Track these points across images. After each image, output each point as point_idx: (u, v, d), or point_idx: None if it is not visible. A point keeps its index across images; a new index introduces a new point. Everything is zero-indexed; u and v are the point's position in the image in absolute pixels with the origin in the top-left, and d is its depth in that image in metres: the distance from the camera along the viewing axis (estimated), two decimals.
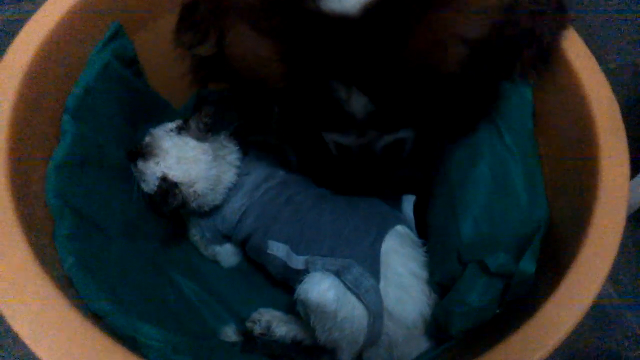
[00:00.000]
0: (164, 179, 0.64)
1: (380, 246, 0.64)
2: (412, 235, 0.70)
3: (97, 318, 0.48)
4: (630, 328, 0.88)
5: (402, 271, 0.64)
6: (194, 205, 0.67)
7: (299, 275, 0.65)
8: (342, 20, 0.44)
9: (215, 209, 0.71)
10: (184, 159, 0.65)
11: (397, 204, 0.74)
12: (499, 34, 0.47)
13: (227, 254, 0.77)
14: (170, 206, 0.64)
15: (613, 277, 0.92)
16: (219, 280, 0.77)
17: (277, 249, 0.67)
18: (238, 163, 0.71)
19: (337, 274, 0.62)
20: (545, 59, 0.56)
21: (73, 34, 0.61)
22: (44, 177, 0.56)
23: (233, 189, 0.70)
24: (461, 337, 0.57)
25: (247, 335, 0.71)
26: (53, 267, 0.49)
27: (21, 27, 0.58)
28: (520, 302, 0.53)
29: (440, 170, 0.69)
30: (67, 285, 0.50)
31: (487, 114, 0.63)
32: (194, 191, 0.66)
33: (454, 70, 0.47)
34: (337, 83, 0.50)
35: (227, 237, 0.73)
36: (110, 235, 0.63)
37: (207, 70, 0.59)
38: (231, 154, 0.71)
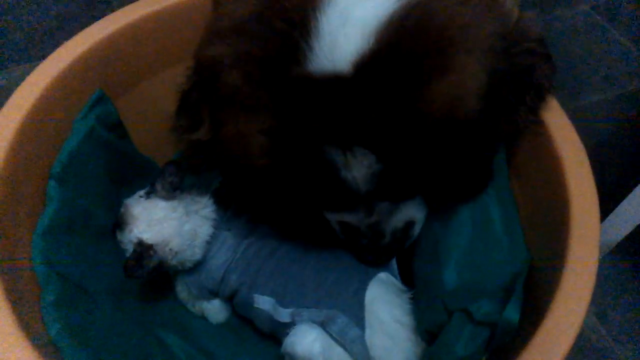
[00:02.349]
0: (139, 243, 0.65)
1: (364, 294, 0.65)
2: (396, 282, 0.70)
3: None
4: None
5: (387, 319, 0.64)
6: (174, 262, 0.67)
7: (285, 328, 0.65)
8: (335, 80, 0.41)
9: (199, 264, 0.71)
10: (154, 221, 0.66)
11: None
12: (503, 76, 0.46)
13: (215, 310, 0.76)
14: (146, 268, 0.64)
15: (600, 314, 0.92)
16: (207, 337, 0.76)
17: (263, 303, 0.67)
18: (214, 216, 0.71)
19: (323, 325, 0.63)
20: (543, 103, 0.56)
21: (58, 103, 0.63)
22: (29, 244, 0.57)
23: (215, 244, 0.71)
24: None
25: None
26: (38, 334, 0.49)
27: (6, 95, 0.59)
28: (502, 346, 0.54)
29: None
30: (54, 353, 0.50)
31: (491, 174, 0.61)
32: (170, 249, 0.66)
33: (472, 117, 0.44)
34: (333, 148, 0.45)
35: (213, 293, 0.73)
36: (96, 298, 0.63)
37: (201, 157, 0.59)
38: (205, 207, 0.71)
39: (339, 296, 0.65)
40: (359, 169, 0.47)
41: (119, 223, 0.67)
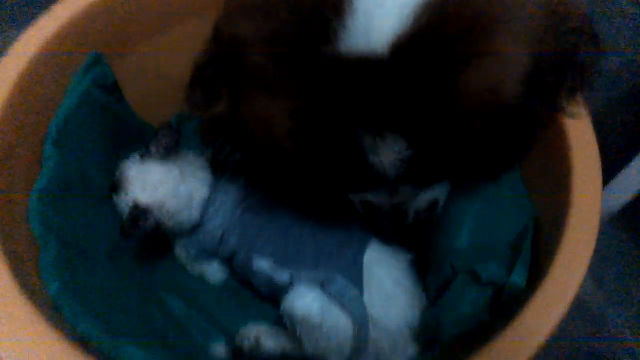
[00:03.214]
0: (135, 207, 0.66)
1: (362, 257, 0.66)
2: (394, 245, 0.70)
3: (84, 342, 0.49)
4: (617, 328, 0.89)
5: (386, 280, 0.65)
6: (171, 224, 0.68)
7: (284, 289, 0.66)
8: (369, 62, 0.39)
9: (197, 226, 0.72)
10: (149, 184, 0.67)
11: None
12: (546, 58, 0.44)
13: (214, 271, 0.77)
14: (142, 229, 0.65)
15: (598, 279, 0.93)
16: (207, 298, 0.77)
17: (262, 264, 0.68)
18: (210, 178, 0.72)
19: (322, 286, 0.64)
20: (589, 85, 0.52)
21: (52, 65, 0.62)
22: (26, 205, 0.57)
23: (212, 206, 0.71)
24: (450, 342, 0.57)
25: (236, 352, 0.71)
26: (37, 293, 0.49)
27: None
28: (504, 306, 0.54)
29: None
30: (52, 310, 0.50)
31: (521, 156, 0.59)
32: (166, 211, 0.67)
33: (511, 103, 0.42)
34: (363, 132, 0.43)
35: (212, 254, 0.74)
36: (95, 260, 0.64)
37: (217, 133, 0.57)
38: (200, 169, 0.71)
39: (338, 258, 0.66)
40: (388, 154, 0.45)
41: (115, 187, 0.68)
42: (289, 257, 0.67)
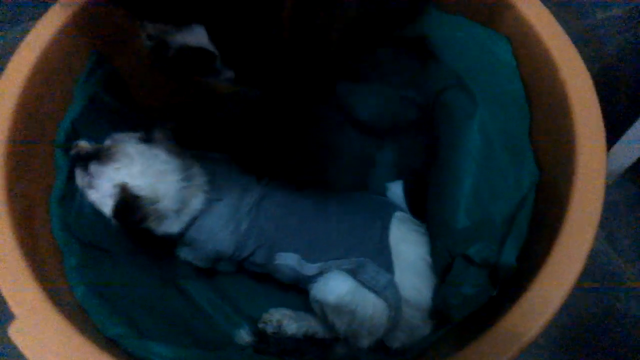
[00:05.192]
0: (123, 188, 0.58)
1: (388, 238, 0.66)
2: (412, 219, 0.72)
3: (113, 343, 0.50)
4: (631, 281, 0.90)
5: (414, 258, 0.66)
6: (152, 223, 0.61)
7: (311, 279, 0.67)
8: None
9: (193, 241, 0.67)
10: (151, 170, 0.60)
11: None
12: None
13: (224, 266, 0.76)
14: (131, 221, 0.58)
15: (609, 237, 0.93)
16: (228, 284, 0.79)
17: (287, 259, 0.67)
18: (207, 187, 0.66)
19: (353, 273, 0.64)
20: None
21: (57, 66, 0.62)
22: (45, 211, 0.58)
23: (209, 217, 0.66)
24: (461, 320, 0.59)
25: (260, 336, 0.73)
26: (63, 298, 0.51)
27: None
28: (516, 275, 0.55)
29: (433, 160, 0.70)
30: (80, 314, 0.52)
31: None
32: (156, 209, 0.60)
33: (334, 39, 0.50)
34: None
35: (219, 259, 0.72)
36: (116, 257, 0.65)
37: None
38: (200, 176, 0.65)
39: (365, 244, 0.66)
40: None
41: (99, 155, 0.59)
42: (316, 251, 0.66)
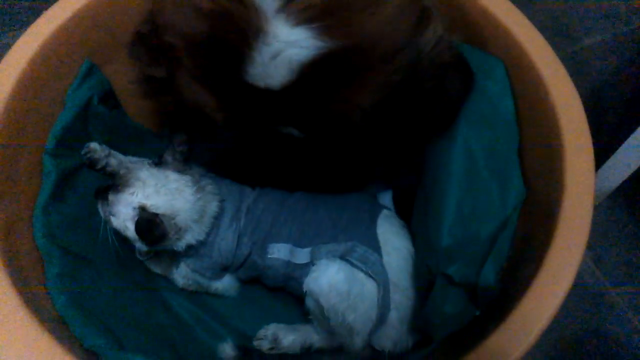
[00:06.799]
0: (141, 209, 0.63)
1: (375, 229, 0.69)
2: (398, 218, 0.74)
3: (92, 354, 0.49)
4: (617, 306, 0.90)
5: (400, 246, 0.69)
6: (174, 238, 0.65)
7: (302, 270, 0.67)
8: (268, 91, 0.49)
9: (201, 246, 0.69)
10: (164, 190, 0.64)
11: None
12: (399, 97, 0.51)
13: (226, 286, 0.76)
14: (154, 237, 0.62)
15: (596, 258, 0.94)
16: (212, 297, 0.78)
17: (279, 250, 0.69)
18: (217, 191, 0.70)
19: (342, 256, 0.66)
20: (451, 117, 0.61)
21: (47, 74, 0.62)
22: (29, 219, 0.57)
23: (223, 219, 0.69)
24: (444, 341, 0.58)
25: (244, 350, 0.72)
26: (44, 309, 0.50)
27: None
28: (502, 294, 0.55)
29: (420, 176, 0.70)
30: (59, 323, 0.51)
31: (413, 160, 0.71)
32: (175, 224, 0.64)
33: (359, 123, 0.52)
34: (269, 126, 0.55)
35: (224, 269, 0.73)
36: (99, 267, 0.64)
37: (155, 87, 0.59)
38: (209, 184, 0.70)
39: (353, 231, 0.68)
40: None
41: (116, 184, 0.64)
42: (307, 236, 0.69)
